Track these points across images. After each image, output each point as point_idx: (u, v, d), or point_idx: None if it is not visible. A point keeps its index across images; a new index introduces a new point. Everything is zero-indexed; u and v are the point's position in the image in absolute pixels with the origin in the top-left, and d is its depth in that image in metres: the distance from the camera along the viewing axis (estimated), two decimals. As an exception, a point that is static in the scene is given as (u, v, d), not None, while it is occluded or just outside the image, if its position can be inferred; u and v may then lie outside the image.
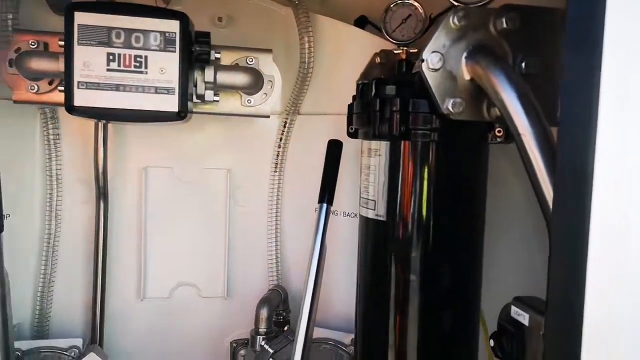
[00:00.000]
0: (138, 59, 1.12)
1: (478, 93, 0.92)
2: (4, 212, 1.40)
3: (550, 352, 0.70)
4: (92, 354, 1.38)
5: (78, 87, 1.10)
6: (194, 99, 1.24)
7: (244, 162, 1.61)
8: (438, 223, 1.03)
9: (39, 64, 1.17)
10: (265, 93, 1.34)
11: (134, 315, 1.58)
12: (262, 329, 1.42)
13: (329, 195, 1.31)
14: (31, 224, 1.50)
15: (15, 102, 1.26)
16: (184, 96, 1.14)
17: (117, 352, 1.55)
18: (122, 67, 1.12)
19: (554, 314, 0.68)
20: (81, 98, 1.10)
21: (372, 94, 1.06)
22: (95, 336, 1.51)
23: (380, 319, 1.09)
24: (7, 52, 1.22)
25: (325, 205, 1.30)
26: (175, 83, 1.14)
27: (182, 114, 1.14)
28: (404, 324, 1.06)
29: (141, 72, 1.12)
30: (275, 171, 1.61)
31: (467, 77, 0.92)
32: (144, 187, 1.56)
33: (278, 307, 1.53)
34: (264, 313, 1.43)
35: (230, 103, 1.33)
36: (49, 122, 1.48)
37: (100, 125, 1.43)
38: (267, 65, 1.34)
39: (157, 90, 1.12)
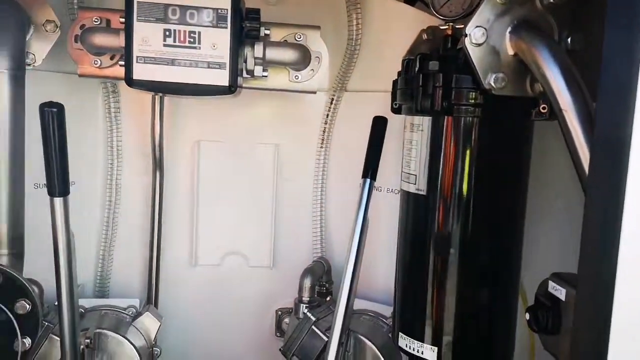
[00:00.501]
0: (192, 34, 1.18)
1: (521, 69, 0.92)
2: (71, 180, 1.52)
3: (580, 324, 0.71)
4: (147, 313, 1.47)
5: (137, 62, 1.17)
6: (244, 74, 1.29)
7: (291, 137, 1.66)
8: (478, 198, 1.04)
9: (101, 39, 1.25)
10: (312, 69, 1.37)
11: (187, 281, 1.67)
12: (305, 297, 1.48)
13: (373, 171, 1.34)
14: (94, 192, 1.60)
15: (80, 75, 1.34)
16: (234, 71, 1.19)
17: (171, 315, 1.65)
18: (177, 43, 1.18)
19: (585, 287, 0.69)
20: (140, 72, 1.17)
21: (416, 69, 1.07)
22: (151, 298, 1.61)
23: (418, 291, 1.12)
24: (73, 29, 1.30)
25: (368, 180, 1.33)
26: (226, 58, 1.19)
27: (232, 88, 1.19)
28: (441, 297, 1.08)
29: (194, 48, 1.18)
30: (321, 147, 1.65)
31: (510, 52, 0.92)
32: (196, 159, 1.63)
33: (321, 278, 1.58)
34: (307, 283, 1.48)
35: (278, 79, 1.37)
36: (111, 96, 1.58)
37: (157, 99, 1.51)
38: (315, 41, 1.37)
39: (209, 65, 1.18)
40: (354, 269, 1.27)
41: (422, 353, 1.09)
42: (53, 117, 0.99)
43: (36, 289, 1.19)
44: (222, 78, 1.19)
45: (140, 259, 1.63)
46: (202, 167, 1.64)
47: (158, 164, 1.57)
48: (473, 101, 1.00)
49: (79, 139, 1.54)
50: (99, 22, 1.29)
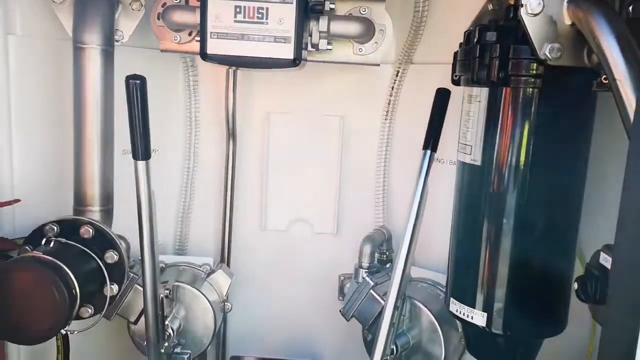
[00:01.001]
0: (260, 10, 1.25)
1: (579, 39, 0.91)
2: (153, 147, 1.66)
3: (616, 292, 0.72)
4: (220, 270, 1.61)
5: (210, 37, 1.26)
6: (309, 48, 1.35)
7: (356, 109, 1.70)
8: (532, 170, 1.05)
9: (180, 16, 1.35)
10: (376, 42, 1.41)
11: (256, 244, 1.79)
12: (365, 263, 1.54)
13: (434, 142, 1.36)
14: (174, 159, 1.74)
15: (162, 51, 1.46)
16: (299, 44, 1.26)
17: (241, 274, 1.78)
18: (246, 19, 1.26)
19: (621, 255, 0.70)
20: (213, 47, 1.27)
21: (475, 40, 1.09)
22: (223, 258, 1.75)
23: (470, 259, 1.15)
24: (156, 7, 1.41)
25: (429, 152, 1.35)
26: (291, 32, 1.26)
27: (296, 61, 1.26)
28: (492, 265, 1.11)
29: (262, 23, 1.25)
30: (385, 119, 1.69)
31: (567, 22, 0.92)
32: (266, 130, 1.73)
33: (382, 245, 1.63)
34: (366, 249, 1.54)
35: (342, 52, 1.42)
36: (190, 70, 1.70)
37: (231, 72, 1.61)
38: (379, 14, 1.40)
39: (275, 39, 1.25)
40: (412, 237, 1.31)
41: (471, 318, 1.13)
42: (137, 88, 1.10)
43: (123, 243, 1.34)
44: (287, 51, 1.26)
45: (214, 221, 1.77)
46: (271, 137, 1.73)
47: (231, 134, 1.68)
48: (531, 72, 1.01)
49: (160, 110, 1.67)
50: (178, 0, 1.39)
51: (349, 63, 1.46)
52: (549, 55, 0.93)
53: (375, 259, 1.57)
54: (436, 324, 1.40)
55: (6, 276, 1.09)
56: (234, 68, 1.59)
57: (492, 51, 1.02)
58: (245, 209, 1.77)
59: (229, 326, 1.81)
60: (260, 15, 1.25)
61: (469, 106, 1.14)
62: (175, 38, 1.42)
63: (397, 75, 1.64)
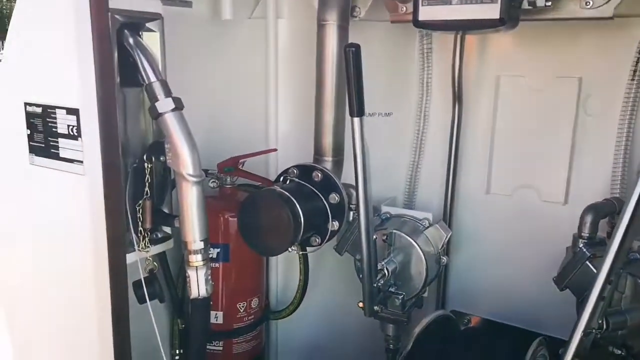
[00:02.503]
0: (469, -26, 1.30)
1: None
2: (388, 111, 1.86)
3: None
4: (437, 225, 1.72)
5: (422, 5, 1.37)
6: (526, 6, 1.33)
7: (596, 69, 1.57)
8: None
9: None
10: (606, -8, 1.29)
11: (479, 206, 1.84)
12: (585, 233, 1.45)
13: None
14: (407, 122, 1.91)
15: (391, 22, 1.63)
16: (506, 4, 1.26)
17: (463, 234, 1.85)
18: (455, -16, 1.32)
19: None
20: (424, 13, 1.37)
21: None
22: (445, 215, 1.85)
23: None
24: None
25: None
26: (497, -8, 1.27)
27: (502, 21, 1.27)
28: None
29: (470, -14, 1.30)
30: (632, 79, 1.52)
31: None
32: (496, 93, 1.74)
33: (613, 218, 1.50)
34: (588, 218, 1.44)
35: (565, 7, 1.35)
36: (424, 39, 1.82)
37: (458, 38, 1.68)
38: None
39: (481, 1, 1.28)
40: (634, 211, 1.20)
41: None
42: (351, 54, 1.30)
43: (344, 191, 1.57)
44: (493, 12, 1.27)
45: (441, 181, 1.87)
46: (500, 100, 1.74)
47: (457, 98, 1.75)
48: None
49: (397, 77, 1.86)
50: (404, -26, 1.53)
51: (575, 19, 1.37)
52: None
53: (596, 229, 1.45)
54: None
55: (253, 201, 1.45)
56: (460, 34, 1.65)
57: None
58: (470, 170, 1.83)
59: (449, 282, 1.91)
60: (468, -21, 1.30)
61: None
62: (402, 9, 1.57)
63: (645, 29, 1.45)
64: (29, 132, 1.30)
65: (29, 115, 1.29)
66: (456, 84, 1.73)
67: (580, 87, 1.60)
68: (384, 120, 1.87)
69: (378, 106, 1.84)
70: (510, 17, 1.29)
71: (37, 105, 1.27)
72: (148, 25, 1.33)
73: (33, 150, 1.31)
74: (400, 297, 1.66)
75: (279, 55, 1.77)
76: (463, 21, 1.33)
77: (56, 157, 1.27)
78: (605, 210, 1.47)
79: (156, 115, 1.26)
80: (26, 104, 1.28)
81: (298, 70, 1.75)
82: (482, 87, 1.76)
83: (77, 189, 1.25)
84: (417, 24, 1.40)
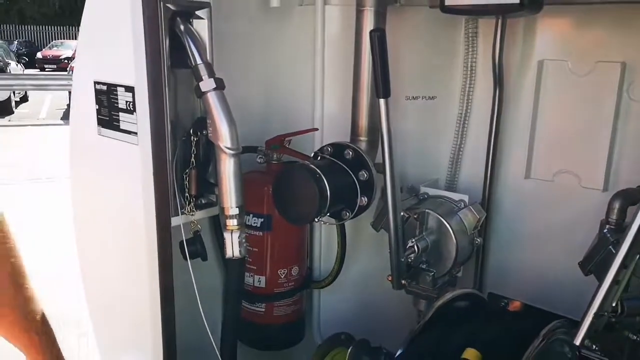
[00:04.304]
0: (493, -41, 1.33)
1: None
2: (432, 95, 1.91)
3: None
4: (470, 207, 1.75)
5: (448, -10, 1.42)
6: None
7: (641, 53, 1.53)
8: None
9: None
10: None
11: (518, 191, 1.84)
12: (612, 218, 1.43)
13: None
14: (450, 106, 1.94)
15: (430, 7, 1.68)
16: (527, -12, 1.29)
17: (502, 218, 1.86)
18: (479, -30, 1.36)
19: None
20: (451, -1, 1.43)
21: None
22: (484, 199, 1.87)
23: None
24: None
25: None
26: (521, -23, 1.29)
27: (522, 5, 1.29)
28: None
29: (494, -29, 1.33)
30: (678, 64, 1.46)
31: None
32: (537, 78, 1.73)
33: (646, 206, 1.46)
34: (616, 204, 1.43)
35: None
36: (470, 23, 1.84)
37: (499, 22, 1.69)
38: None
39: (503, -14, 1.32)
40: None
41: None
42: (377, 38, 1.38)
43: (374, 169, 1.65)
44: (515, -4, 1.30)
45: (482, 164, 1.89)
46: (542, 84, 1.73)
47: (498, 82, 1.76)
48: None
49: (439, 61, 1.90)
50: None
51: (608, 2, 1.36)
52: None
53: (623, 215, 1.43)
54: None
55: (286, 174, 1.59)
56: (500, 18, 1.66)
57: None
58: (511, 155, 1.83)
59: (487, 264, 1.94)
60: (494, -36, 1.33)
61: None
62: (440, -6, 1.61)
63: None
64: (97, 107, 1.52)
65: (97, 92, 1.51)
66: (497, 68, 1.74)
67: (624, 72, 1.56)
68: (428, 103, 1.92)
69: (422, 90, 1.90)
70: (532, 1, 1.31)
71: (103, 84, 1.48)
72: (198, 13, 1.50)
73: (100, 122, 1.53)
74: (431, 274, 1.73)
75: (326, 41, 1.88)
76: (487, 5, 1.36)
77: (117, 128, 1.47)
78: (636, 197, 1.44)
79: (200, 94, 1.43)
80: (95, 82, 1.50)
81: (343, 55, 1.85)
82: (525, 72, 1.76)
83: (132, 156, 1.45)
84: (444, 9, 1.45)
